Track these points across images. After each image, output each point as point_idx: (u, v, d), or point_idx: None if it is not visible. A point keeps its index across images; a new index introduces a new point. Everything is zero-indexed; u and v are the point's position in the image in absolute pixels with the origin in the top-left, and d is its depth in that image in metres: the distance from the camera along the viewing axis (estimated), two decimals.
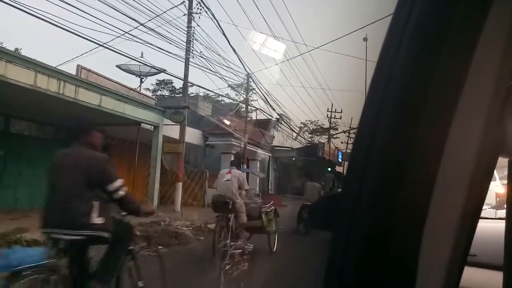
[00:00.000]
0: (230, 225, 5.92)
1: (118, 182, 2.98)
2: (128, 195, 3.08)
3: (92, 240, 2.86)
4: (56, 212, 2.84)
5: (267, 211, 6.90)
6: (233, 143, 18.55)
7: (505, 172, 0.66)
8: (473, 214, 0.52)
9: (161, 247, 8.27)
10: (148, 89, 34.96)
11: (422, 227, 0.49)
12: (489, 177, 0.54)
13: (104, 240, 2.90)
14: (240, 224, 6.05)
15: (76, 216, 2.76)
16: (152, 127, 12.97)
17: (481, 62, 0.49)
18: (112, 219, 3.03)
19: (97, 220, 2.79)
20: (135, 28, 17.89)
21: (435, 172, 0.49)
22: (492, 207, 5.85)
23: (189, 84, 15.50)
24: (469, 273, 0.56)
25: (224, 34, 15.36)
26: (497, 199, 6.77)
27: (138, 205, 3.39)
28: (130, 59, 16.03)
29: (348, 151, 36.28)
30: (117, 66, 20.88)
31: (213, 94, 27.76)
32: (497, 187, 6.85)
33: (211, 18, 14.00)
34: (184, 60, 14.40)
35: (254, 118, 26.59)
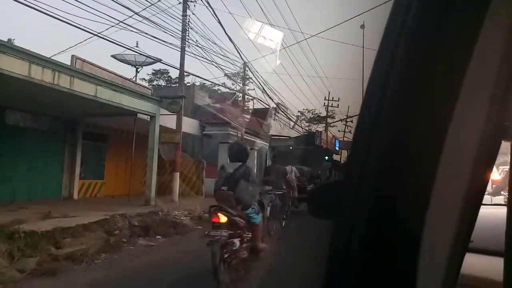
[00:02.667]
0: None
1: None
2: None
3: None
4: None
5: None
6: (231, 132, 18.52)
7: (504, 159, 0.66)
8: (475, 200, 0.52)
9: (159, 237, 8.33)
10: (144, 79, 34.76)
11: (425, 213, 0.49)
12: (492, 162, 0.54)
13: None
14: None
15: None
16: (149, 117, 12.93)
17: (485, 45, 0.49)
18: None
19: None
20: (130, 17, 17.68)
21: (438, 158, 0.49)
22: (488, 194, 5.89)
23: (185, 73, 15.41)
24: (466, 259, 0.57)
25: (219, 23, 15.24)
26: (493, 186, 6.81)
27: None
28: (125, 49, 15.89)
29: (346, 139, 36.37)
30: (112, 56, 20.72)
31: (210, 83, 27.66)
32: (493, 173, 6.88)
33: (206, 7, 13.85)
34: (180, 50, 14.29)
35: (251, 107, 26.51)
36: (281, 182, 9.18)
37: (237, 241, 4.52)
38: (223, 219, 4.47)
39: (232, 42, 19.36)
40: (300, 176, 11.97)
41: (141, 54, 17.14)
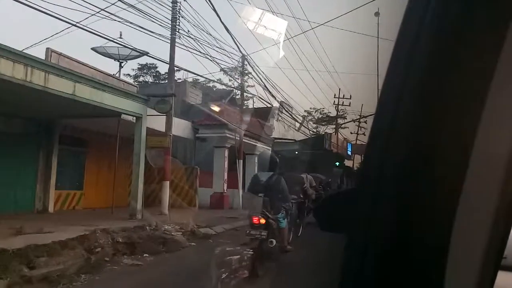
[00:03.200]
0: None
1: None
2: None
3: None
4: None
5: None
6: (227, 135, 18.54)
7: None
8: (508, 212, 0.52)
9: (146, 255, 8.31)
10: (128, 74, 34.77)
11: (451, 227, 0.49)
12: None
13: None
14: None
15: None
16: (134, 118, 12.93)
17: None
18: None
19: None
20: (113, 4, 17.69)
21: (466, 164, 0.49)
22: None
23: (175, 68, 15.43)
24: (499, 277, 0.57)
25: (214, 10, 15.24)
26: None
27: None
28: (107, 41, 15.90)
29: (358, 142, 36.36)
30: (92, 48, 20.77)
31: (204, 79, 27.70)
32: None
33: None
34: (169, 41, 14.31)
35: (251, 106, 26.51)
36: (297, 191, 9.90)
37: (273, 240, 6.02)
38: (262, 220, 6.01)
39: (229, 33, 19.44)
40: (317, 185, 12.73)
41: (125, 46, 17.17)
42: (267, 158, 6.93)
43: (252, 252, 5.60)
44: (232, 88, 25.38)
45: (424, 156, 0.51)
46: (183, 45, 15.04)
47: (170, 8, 14.15)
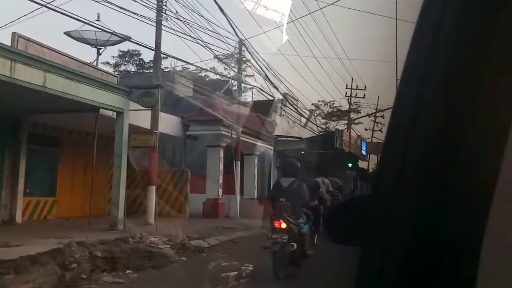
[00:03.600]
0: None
1: None
2: None
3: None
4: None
5: None
6: (223, 132, 18.54)
7: None
8: None
9: (129, 271, 8.31)
10: (108, 63, 34.76)
11: (481, 239, 0.49)
12: None
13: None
14: None
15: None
16: (115, 113, 12.93)
17: None
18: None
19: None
20: None
21: (497, 168, 0.49)
22: None
23: (162, 55, 15.41)
24: None
25: None
26: None
27: None
28: (83, 24, 15.90)
29: (374, 140, 36.42)
30: (66, 33, 20.76)
31: (195, 68, 27.69)
32: None
33: None
34: (155, 24, 14.30)
35: (249, 99, 26.50)
36: (313, 197, 10.61)
37: (294, 244, 6.86)
38: (283, 225, 6.94)
39: (224, 14, 19.33)
40: (334, 190, 13.48)
41: (103, 30, 17.18)
42: (289, 165, 8.11)
43: (273, 255, 6.80)
44: (228, 78, 25.40)
45: (449, 155, 0.51)
46: (171, 28, 14.97)
47: None
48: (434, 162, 0.53)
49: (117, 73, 27.76)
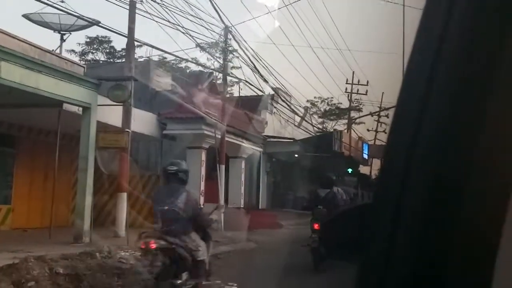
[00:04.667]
0: None
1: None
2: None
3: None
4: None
5: None
6: (205, 132, 18.52)
7: None
8: None
9: None
10: (73, 51, 34.51)
11: (495, 254, 0.50)
12: None
13: None
14: None
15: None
16: (81, 109, 12.86)
17: None
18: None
19: None
20: None
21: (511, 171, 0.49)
22: None
23: (136, 43, 15.36)
24: None
25: None
26: None
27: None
28: (44, 5, 15.77)
29: (378, 142, 36.63)
30: (24, 16, 20.60)
31: (174, 58, 27.64)
32: None
33: None
34: (128, 7, 14.26)
35: (236, 94, 26.53)
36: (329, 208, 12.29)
37: None
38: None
39: None
40: (347, 200, 13.94)
41: (68, 13, 17.06)
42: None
43: (312, 252, 9.57)
44: (211, 70, 25.38)
45: (461, 159, 0.52)
46: (146, 12, 14.92)
47: None
48: (444, 167, 0.53)
49: (84, 62, 27.58)
